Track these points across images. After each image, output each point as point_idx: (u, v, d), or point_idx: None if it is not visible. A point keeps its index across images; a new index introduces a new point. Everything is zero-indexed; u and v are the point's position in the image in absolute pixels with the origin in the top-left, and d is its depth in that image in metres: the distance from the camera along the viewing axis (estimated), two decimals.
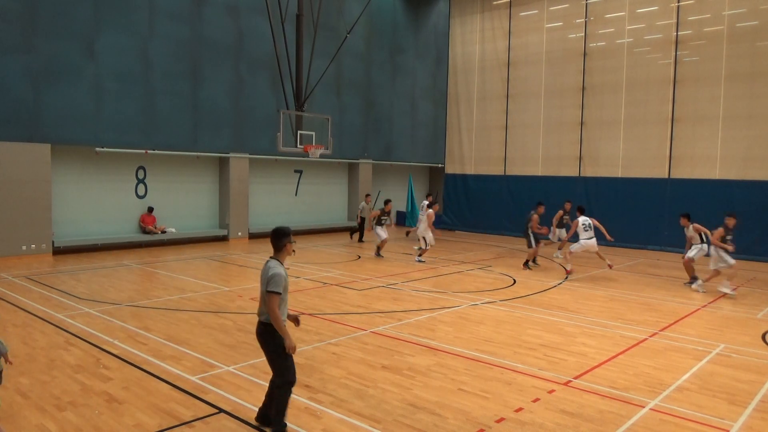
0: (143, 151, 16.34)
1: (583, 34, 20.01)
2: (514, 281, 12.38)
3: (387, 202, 16.47)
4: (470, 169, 23.48)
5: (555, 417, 5.37)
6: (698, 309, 10.10)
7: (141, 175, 16.99)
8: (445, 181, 24.44)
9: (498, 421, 5.24)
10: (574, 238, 13.63)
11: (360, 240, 19.20)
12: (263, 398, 5.09)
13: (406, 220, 23.99)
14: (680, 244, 16.94)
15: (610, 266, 13.27)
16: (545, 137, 21.10)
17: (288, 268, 4.82)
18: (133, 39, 15.89)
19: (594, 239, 13.14)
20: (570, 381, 6.33)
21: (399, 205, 24.96)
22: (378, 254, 15.51)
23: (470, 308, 9.75)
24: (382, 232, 15.69)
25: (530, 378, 6.39)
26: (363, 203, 19.33)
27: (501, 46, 22.36)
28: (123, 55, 15.68)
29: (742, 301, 10.90)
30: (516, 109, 21.95)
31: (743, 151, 16.72)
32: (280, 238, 4.81)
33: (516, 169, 21.97)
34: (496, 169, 22.57)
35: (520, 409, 5.52)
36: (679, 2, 17.81)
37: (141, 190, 17.01)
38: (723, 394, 6.02)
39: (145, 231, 16.76)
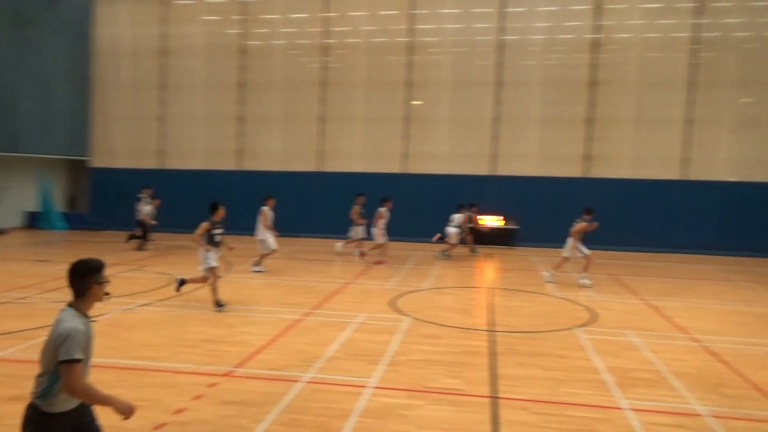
0: None
1: (241, 31, 20.43)
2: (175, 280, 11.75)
3: (359, 195, 14.95)
4: (122, 163, 21.38)
5: (218, 409, 5.27)
6: (344, 286, 11.45)
7: None
8: (91, 176, 21.63)
9: (157, 428, 4.84)
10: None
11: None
12: None
13: (38, 222, 20.32)
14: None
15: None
16: (205, 130, 20.81)
17: (94, 320, 3.35)
18: None
19: (452, 229, 15.36)
20: (232, 371, 6.32)
21: (28, 205, 20.85)
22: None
23: (123, 313, 8.80)
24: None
25: (192, 376, 6.13)
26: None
27: (155, 33, 20.99)
28: None
29: (378, 274, 12.86)
30: (174, 101, 20.98)
31: (372, 148, 19.84)
32: (82, 278, 3.20)
33: (174, 163, 21.00)
34: (152, 163, 21.11)
35: (181, 410, 5.23)
36: (325, 13, 19.85)
37: None
38: (362, 357, 6.94)
39: None
